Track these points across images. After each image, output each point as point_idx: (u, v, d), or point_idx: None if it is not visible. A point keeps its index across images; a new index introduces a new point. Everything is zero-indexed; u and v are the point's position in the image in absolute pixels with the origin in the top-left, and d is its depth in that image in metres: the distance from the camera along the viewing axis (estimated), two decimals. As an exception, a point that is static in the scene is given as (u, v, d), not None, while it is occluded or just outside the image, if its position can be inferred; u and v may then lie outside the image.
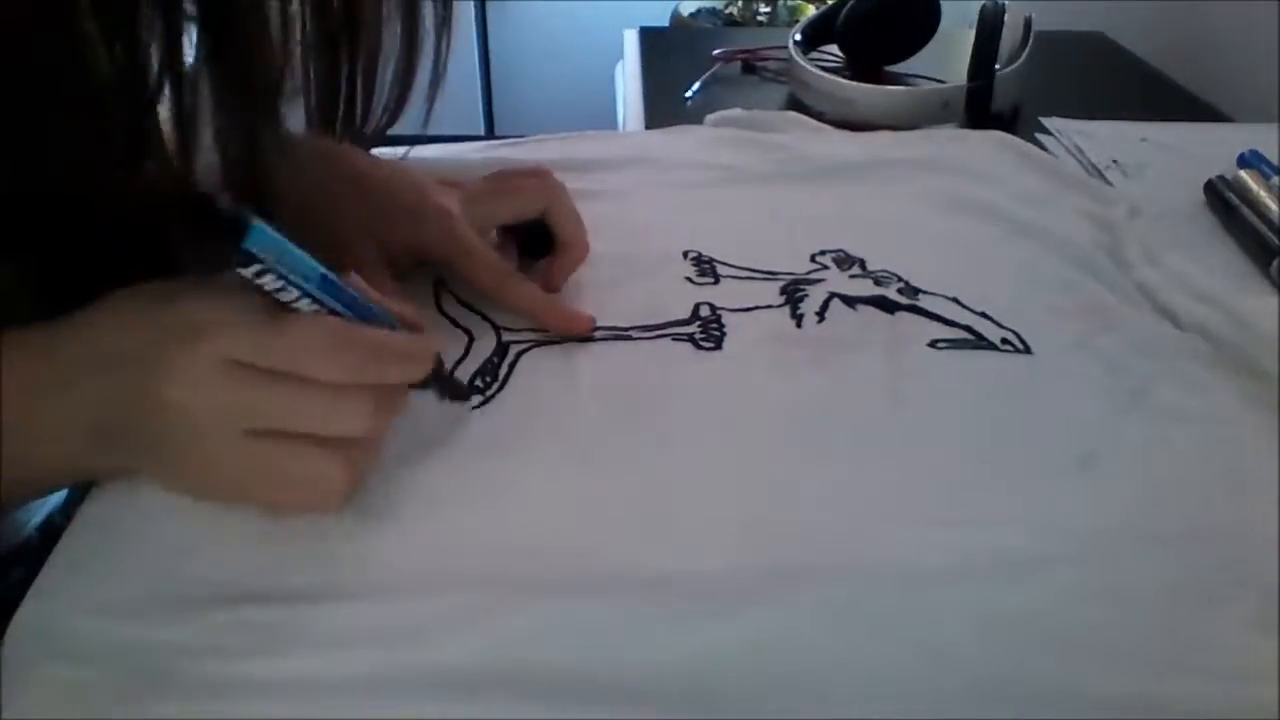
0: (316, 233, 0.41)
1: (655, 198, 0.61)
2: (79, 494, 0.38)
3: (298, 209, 0.42)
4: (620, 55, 1.02)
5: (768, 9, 1.90)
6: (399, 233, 0.48)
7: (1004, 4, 0.78)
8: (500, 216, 0.51)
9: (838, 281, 0.52)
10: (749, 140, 0.68)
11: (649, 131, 0.78)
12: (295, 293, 0.33)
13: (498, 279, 0.48)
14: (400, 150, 0.57)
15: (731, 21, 1.92)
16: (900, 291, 0.51)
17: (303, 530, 0.36)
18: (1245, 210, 0.60)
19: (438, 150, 0.66)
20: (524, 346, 0.46)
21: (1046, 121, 0.78)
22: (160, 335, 0.34)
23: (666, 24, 1.90)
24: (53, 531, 0.42)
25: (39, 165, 0.35)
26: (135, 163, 0.36)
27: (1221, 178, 0.63)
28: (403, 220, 0.48)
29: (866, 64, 0.88)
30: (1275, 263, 0.55)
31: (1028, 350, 0.47)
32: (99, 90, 0.34)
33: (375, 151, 0.51)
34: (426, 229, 0.47)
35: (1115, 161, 0.70)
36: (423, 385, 0.38)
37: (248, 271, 0.32)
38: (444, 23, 0.41)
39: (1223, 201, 0.61)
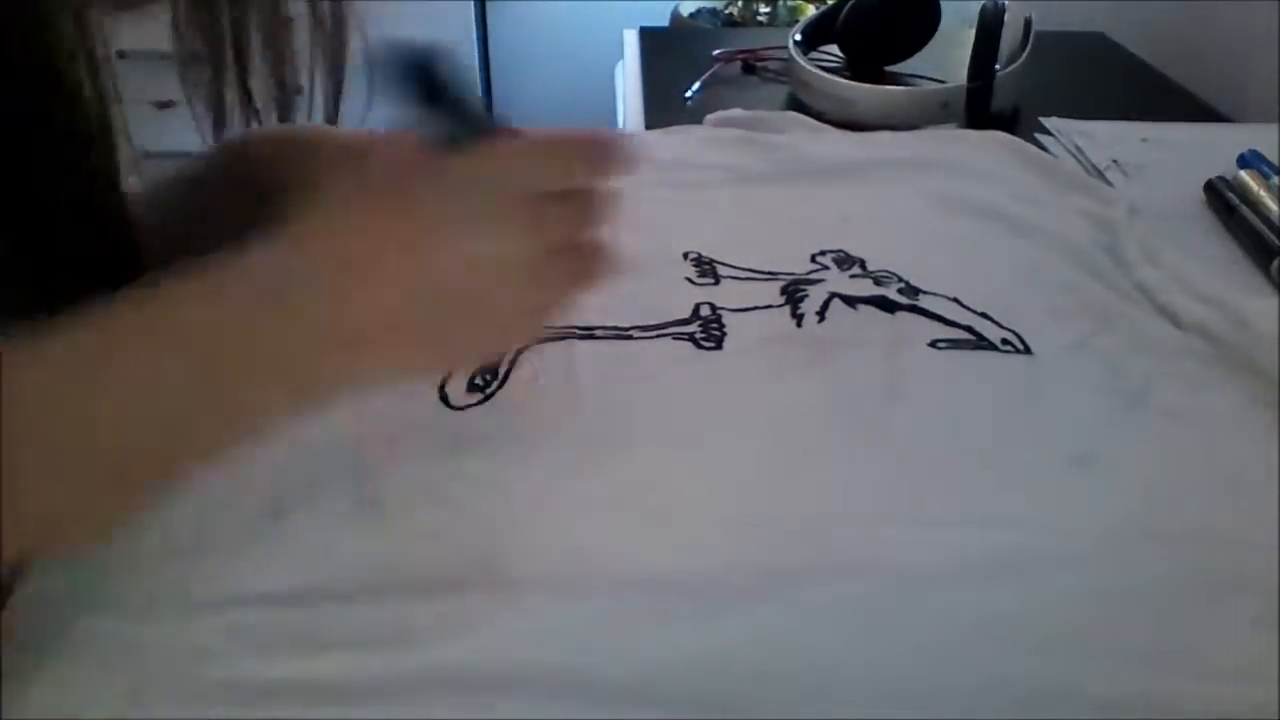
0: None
1: (655, 198, 0.61)
2: None
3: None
4: (620, 55, 1.02)
5: (768, 9, 1.90)
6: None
7: (1004, 4, 0.78)
8: None
9: (838, 281, 0.52)
10: (749, 140, 0.68)
11: (649, 131, 0.78)
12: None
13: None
14: None
15: (731, 21, 1.92)
16: (900, 291, 0.51)
17: (303, 529, 0.36)
18: (1245, 210, 0.60)
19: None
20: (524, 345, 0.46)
21: (1046, 121, 0.78)
22: (468, 190, 0.34)
23: (666, 24, 1.90)
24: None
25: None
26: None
27: (1221, 178, 0.63)
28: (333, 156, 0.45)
29: (866, 64, 0.88)
30: (1275, 263, 0.55)
31: (1028, 350, 0.47)
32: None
33: None
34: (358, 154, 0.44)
35: (1115, 161, 0.70)
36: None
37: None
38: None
39: (1223, 201, 0.61)
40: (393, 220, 0.34)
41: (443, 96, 0.34)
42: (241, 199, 0.45)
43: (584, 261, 0.37)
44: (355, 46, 0.44)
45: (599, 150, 0.36)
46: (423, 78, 0.34)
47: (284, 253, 0.33)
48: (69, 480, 0.30)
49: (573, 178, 0.36)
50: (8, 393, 0.28)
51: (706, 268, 0.53)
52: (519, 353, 0.46)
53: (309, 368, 0.33)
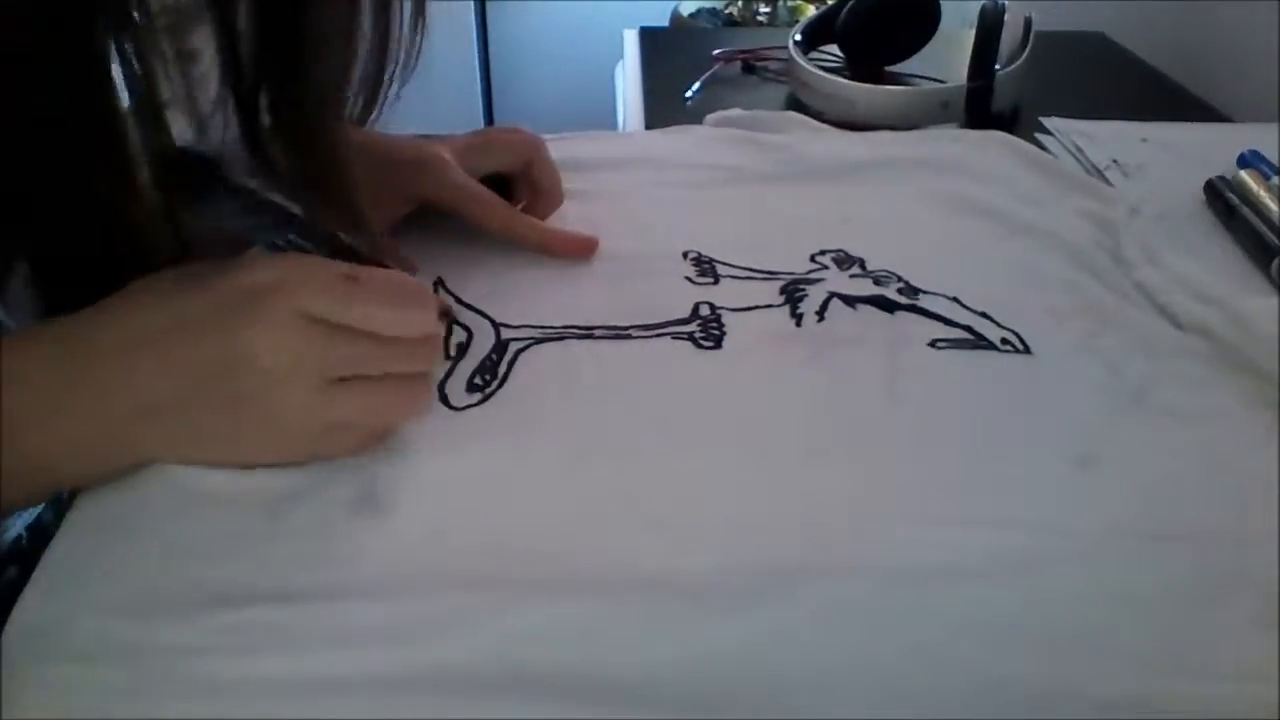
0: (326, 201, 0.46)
1: (655, 198, 0.61)
2: (68, 494, 0.38)
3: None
4: (620, 55, 1.02)
5: (768, 9, 1.89)
6: (401, 183, 0.51)
7: (1004, 4, 0.78)
8: (486, 167, 0.54)
9: (838, 281, 0.52)
10: (749, 140, 0.68)
11: (649, 131, 0.78)
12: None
13: (504, 215, 0.52)
14: None
15: (731, 21, 1.92)
16: (900, 291, 0.51)
17: (303, 529, 0.36)
18: (1245, 210, 0.59)
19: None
20: (523, 344, 0.46)
21: (1046, 121, 0.77)
22: (236, 295, 0.36)
23: (666, 24, 1.90)
24: (42, 531, 0.42)
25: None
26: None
27: (1221, 178, 0.63)
28: (405, 171, 0.51)
29: (866, 64, 0.88)
30: (1275, 263, 0.55)
31: (1027, 350, 0.47)
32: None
33: None
34: (427, 176, 0.51)
35: (1115, 161, 0.70)
36: None
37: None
38: (416, 25, 0.42)
39: (1223, 201, 0.61)
40: (182, 302, 0.36)
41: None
42: None
43: (380, 394, 0.39)
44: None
45: (397, 298, 0.38)
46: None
47: (105, 312, 0.36)
48: None
49: (358, 314, 0.37)
50: None
51: (706, 267, 0.53)
52: (518, 353, 0.46)
53: (107, 430, 0.35)
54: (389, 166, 0.51)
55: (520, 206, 0.55)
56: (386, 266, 0.44)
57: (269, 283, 0.36)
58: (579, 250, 0.53)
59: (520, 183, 0.56)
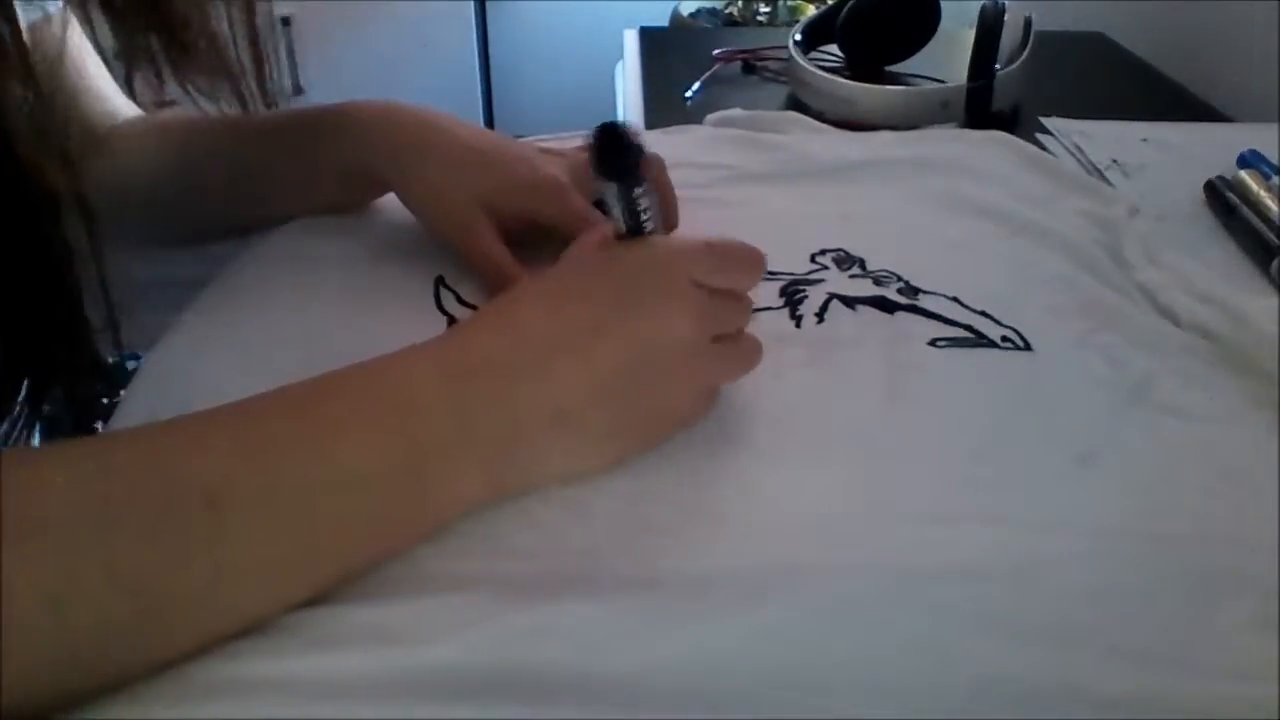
0: (434, 208, 0.51)
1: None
2: None
3: (411, 184, 0.51)
4: (620, 55, 1.02)
5: (768, 9, 1.90)
6: (516, 204, 0.50)
7: (1004, 4, 0.78)
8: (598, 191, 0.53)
9: (837, 282, 0.52)
10: (749, 140, 0.68)
11: (649, 131, 0.77)
12: (650, 211, 0.39)
13: None
14: None
15: (731, 21, 1.92)
16: (900, 291, 0.51)
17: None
18: (1245, 210, 0.60)
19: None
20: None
21: (1046, 121, 0.78)
22: (636, 280, 0.38)
23: (666, 24, 1.90)
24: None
25: None
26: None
27: (1221, 178, 0.63)
28: (519, 194, 0.50)
29: (866, 64, 0.88)
30: (1275, 263, 0.55)
31: (1028, 348, 0.47)
32: None
33: None
34: (542, 202, 0.50)
35: (1115, 161, 0.70)
36: None
37: (641, 189, 0.38)
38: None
39: (1223, 201, 0.61)
40: (582, 304, 0.37)
41: (631, 177, 0.38)
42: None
43: (739, 351, 0.41)
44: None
45: (748, 260, 0.40)
46: (617, 157, 0.37)
47: (477, 329, 0.37)
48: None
49: (726, 278, 0.40)
50: None
51: (706, 267, 0.53)
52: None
53: (507, 456, 0.35)
54: (503, 187, 0.50)
55: None
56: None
57: (661, 259, 0.38)
58: None
59: None
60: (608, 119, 0.38)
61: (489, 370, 0.35)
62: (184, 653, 0.30)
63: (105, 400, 0.50)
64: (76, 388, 0.46)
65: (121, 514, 0.29)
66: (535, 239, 0.50)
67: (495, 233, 0.50)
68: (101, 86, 0.58)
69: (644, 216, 0.39)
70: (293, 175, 0.55)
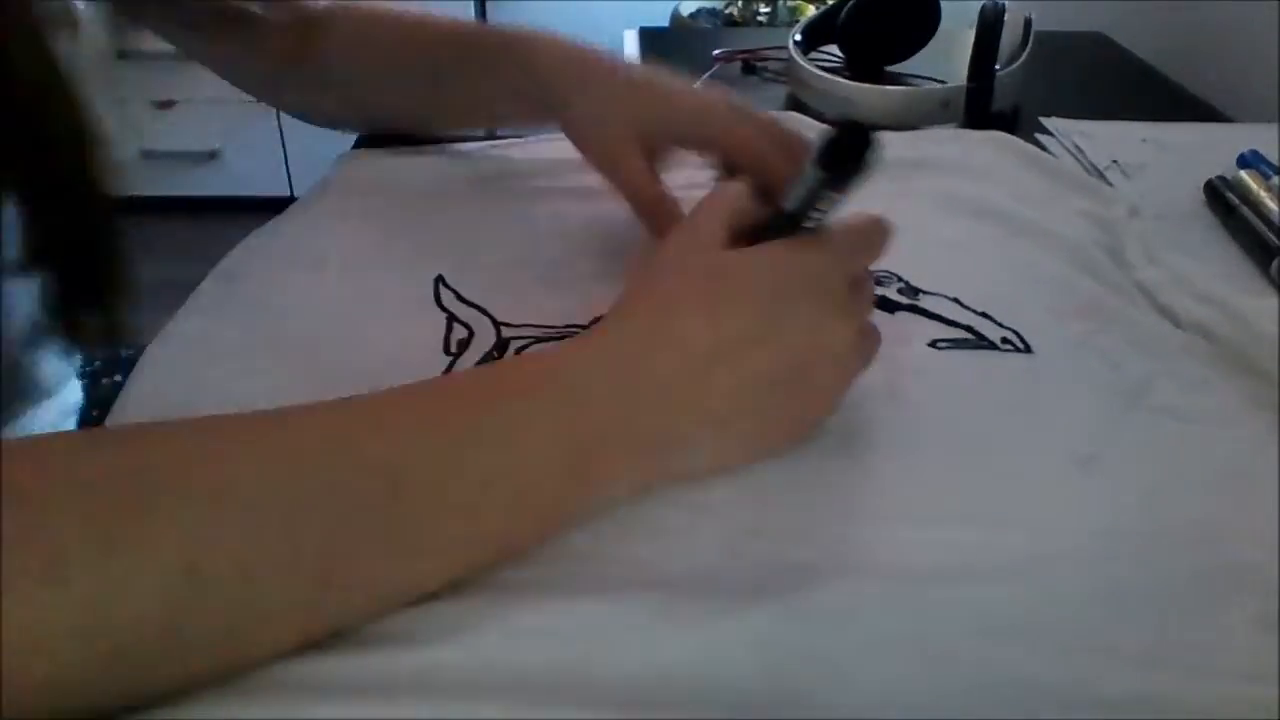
0: (589, 139, 0.53)
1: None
2: None
3: (570, 116, 0.53)
4: (620, 55, 1.02)
5: (768, 9, 1.89)
6: (678, 130, 0.51)
7: (1004, 4, 0.78)
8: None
9: (838, 281, 0.52)
10: (749, 140, 0.68)
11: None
12: (820, 217, 0.38)
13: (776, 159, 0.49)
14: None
15: (731, 21, 1.92)
16: (900, 291, 0.51)
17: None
18: (1245, 210, 0.59)
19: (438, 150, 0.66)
20: (523, 342, 0.46)
21: (1046, 121, 0.77)
22: (793, 287, 0.38)
23: (666, 24, 1.90)
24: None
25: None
26: None
27: (1221, 178, 0.63)
28: (681, 120, 0.51)
29: (866, 64, 0.88)
30: (1275, 263, 0.55)
31: (1028, 349, 0.47)
32: None
33: None
34: (704, 125, 0.51)
35: (1115, 161, 0.70)
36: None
37: (839, 195, 0.37)
38: None
39: (1223, 201, 0.61)
40: (739, 314, 0.37)
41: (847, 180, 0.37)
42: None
43: (870, 343, 0.41)
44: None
45: (877, 239, 0.41)
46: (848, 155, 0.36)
47: (639, 332, 0.37)
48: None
49: (861, 261, 0.41)
50: None
51: (706, 267, 0.53)
52: (518, 352, 0.46)
53: (659, 458, 0.36)
54: (665, 114, 0.51)
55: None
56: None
57: (815, 265, 0.38)
58: None
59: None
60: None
61: (648, 378, 0.36)
62: (352, 628, 0.31)
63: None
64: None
65: (308, 491, 0.30)
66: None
67: (646, 165, 0.51)
68: None
69: (813, 216, 0.38)
70: (481, 89, 0.58)
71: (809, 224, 0.38)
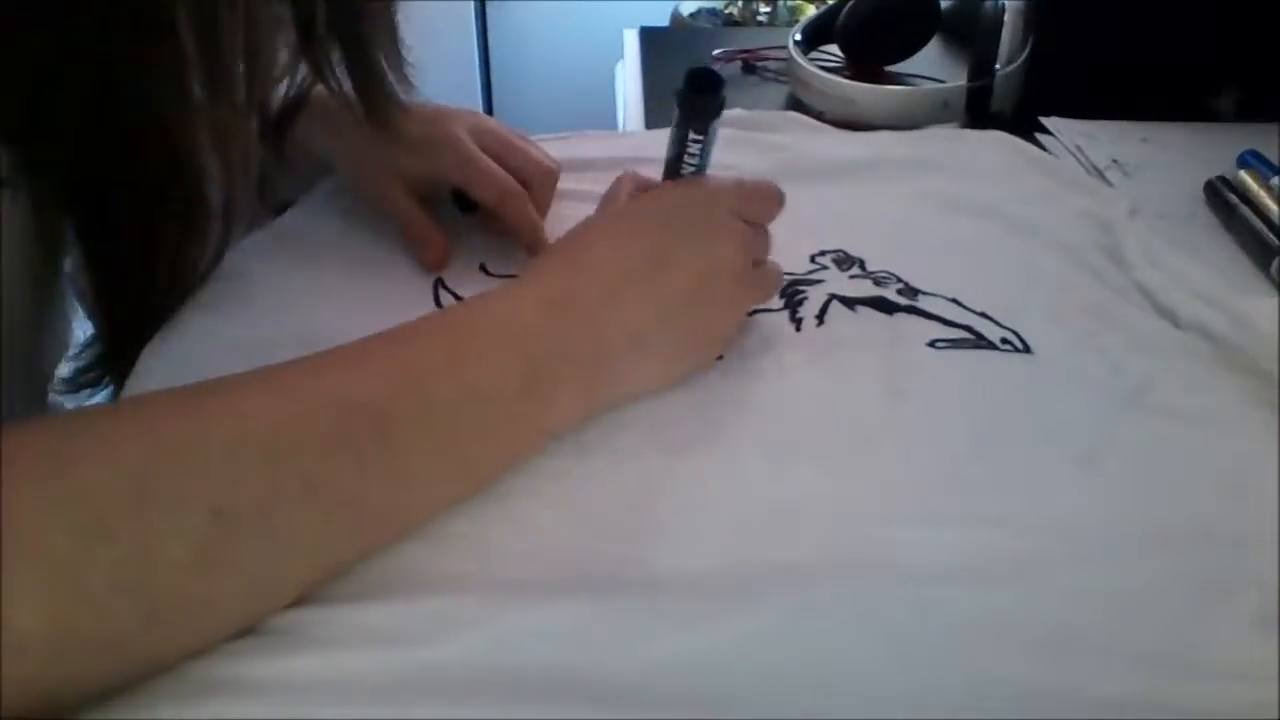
0: (350, 176, 0.57)
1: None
2: None
3: (330, 159, 0.57)
4: (620, 55, 1.02)
5: (768, 9, 1.89)
6: (416, 164, 0.54)
7: (1004, 4, 0.78)
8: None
9: (837, 282, 0.52)
10: (749, 140, 0.68)
11: (649, 131, 0.78)
12: (696, 159, 0.44)
13: (502, 195, 0.53)
14: None
15: (731, 21, 1.92)
16: (900, 292, 0.51)
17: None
18: (1245, 210, 0.59)
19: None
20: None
21: (1046, 121, 0.77)
22: (688, 214, 0.44)
23: (666, 24, 1.90)
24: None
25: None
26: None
27: (1221, 178, 0.63)
28: (419, 152, 0.54)
29: (866, 64, 0.88)
30: (1275, 263, 0.55)
31: (1027, 350, 0.47)
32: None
33: None
34: (447, 161, 0.54)
35: (1115, 161, 0.70)
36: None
37: (704, 137, 0.44)
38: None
39: (1223, 201, 0.61)
40: (644, 239, 0.42)
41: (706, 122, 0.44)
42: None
43: (768, 276, 0.47)
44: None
45: (772, 196, 0.46)
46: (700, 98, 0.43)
47: (559, 268, 0.42)
48: None
49: (756, 211, 0.45)
50: None
51: (706, 268, 0.53)
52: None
53: (596, 376, 0.40)
54: (403, 149, 0.54)
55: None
56: None
57: (705, 196, 0.44)
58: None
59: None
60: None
61: (576, 302, 0.40)
62: (365, 557, 0.34)
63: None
64: None
65: (310, 434, 0.32)
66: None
67: (405, 192, 0.54)
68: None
69: (688, 160, 0.44)
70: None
71: (687, 170, 0.44)
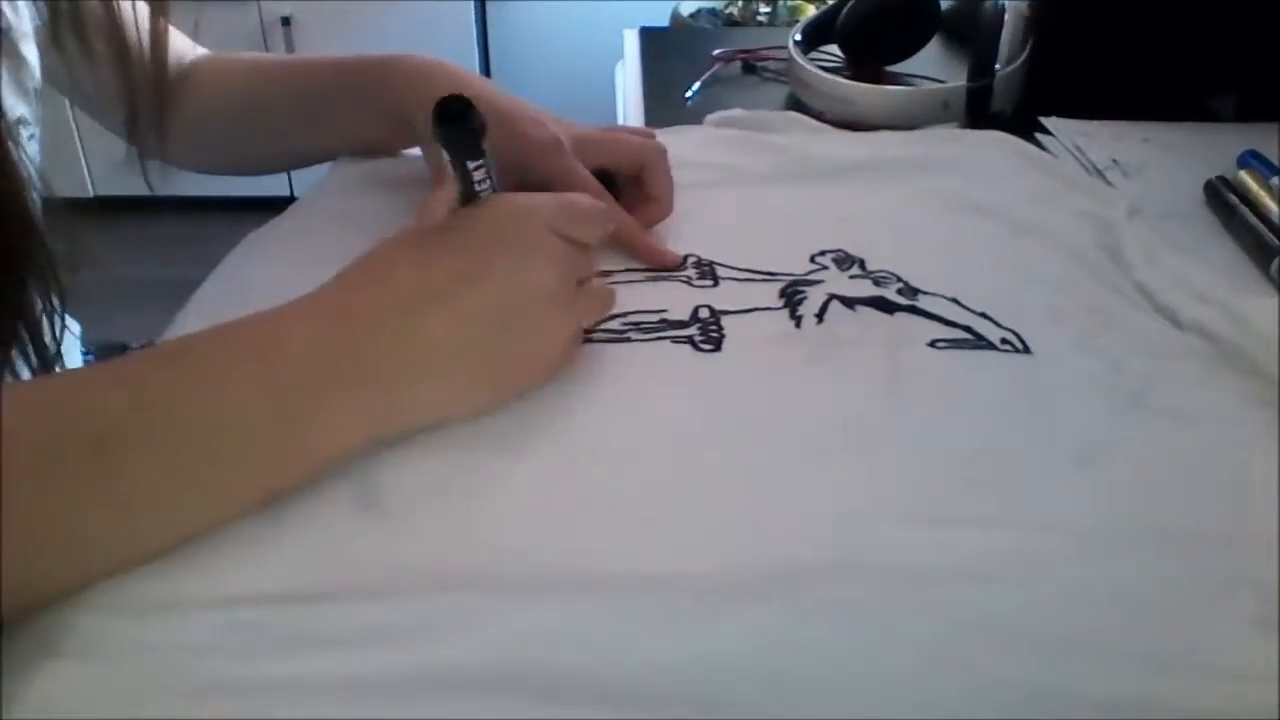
0: (434, 155, 0.52)
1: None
2: None
3: (425, 137, 0.54)
4: (620, 55, 1.02)
5: (768, 9, 1.90)
6: (515, 159, 0.52)
7: (1004, 4, 0.78)
8: (601, 160, 0.55)
9: (837, 282, 0.52)
10: (749, 140, 0.68)
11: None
12: (486, 181, 0.42)
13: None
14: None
15: (731, 21, 1.92)
16: (900, 292, 0.51)
17: (303, 529, 0.36)
18: (1245, 210, 0.60)
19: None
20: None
21: (1046, 121, 0.77)
22: (498, 232, 0.41)
23: (666, 24, 1.90)
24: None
25: None
26: None
27: (1221, 178, 0.63)
28: (521, 152, 0.53)
29: (866, 64, 0.88)
30: (1275, 263, 0.55)
31: (1027, 350, 0.47)
32: None
33: None
34: (539, 159, 0.53)
35: (1115, 161, 0.70)
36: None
37: (477, 162, 0.41)
38: None
39: (1223, 201, 0.61)
40: (450, 256, 0.40)
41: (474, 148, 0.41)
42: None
43: (597, 294, 0.45)
44: None
45: (595, 214, 0.45)
46: (454, 128, 0.41)
47: (356, 283, 0.39)
48: None
49: (577, 229, 0.43)
50: None
51: (706, 269, 0.53)
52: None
53: (381, 398, 0.37)
54: (510, 145, 0.52)
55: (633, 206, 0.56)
56: None
57: (520, 212, 0.42)
58: (664, 260, 0.53)
59: (630, 184, 0.57)
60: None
61: (357, 318, 0.37)
62: (87, 583, 0.32)
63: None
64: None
65: (21, 456, 0.31)
66: None
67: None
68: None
69: (479, 186, 0.42)
70: (350, 116, 0.59)
71: (481, 191, 0.42)
